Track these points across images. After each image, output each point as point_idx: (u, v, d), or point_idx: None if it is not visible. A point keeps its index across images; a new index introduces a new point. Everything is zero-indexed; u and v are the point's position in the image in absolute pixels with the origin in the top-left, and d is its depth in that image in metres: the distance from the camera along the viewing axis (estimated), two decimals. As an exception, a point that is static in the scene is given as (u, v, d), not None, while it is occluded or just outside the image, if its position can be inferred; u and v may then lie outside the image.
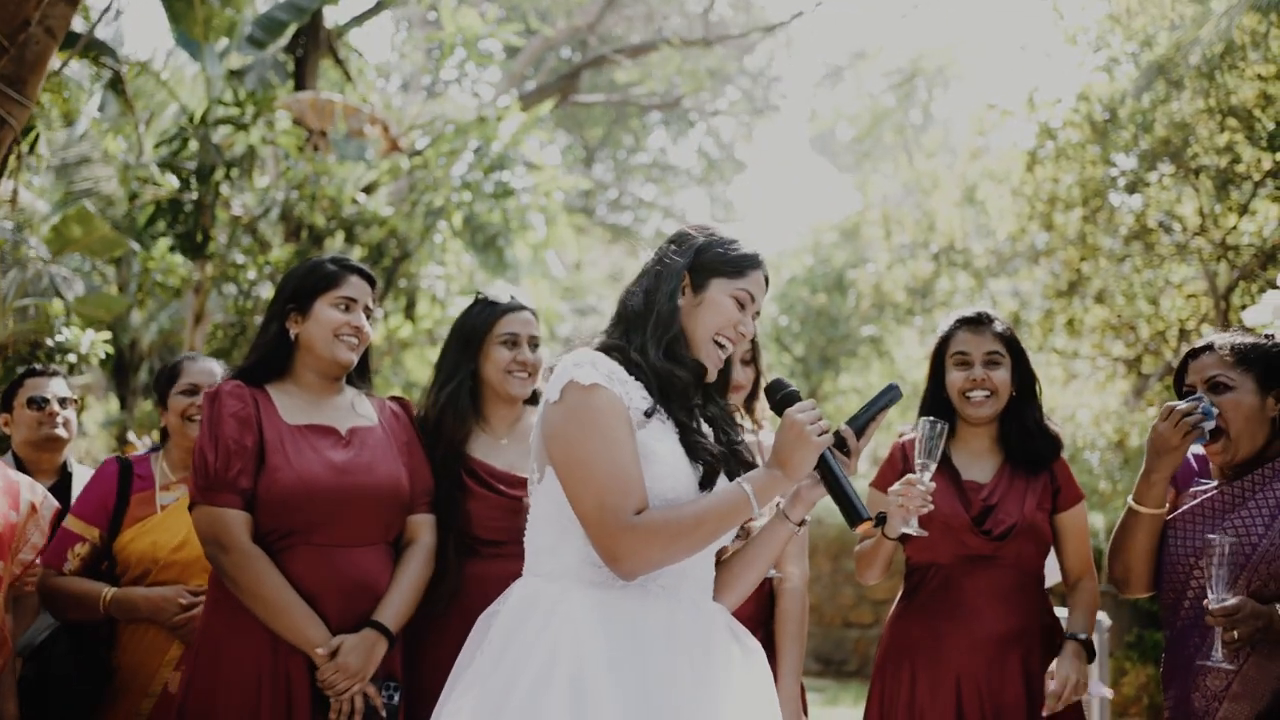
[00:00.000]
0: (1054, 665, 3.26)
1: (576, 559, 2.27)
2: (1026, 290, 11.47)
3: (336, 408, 3.11)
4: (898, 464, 3.49)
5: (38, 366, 4.05)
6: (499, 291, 3.52)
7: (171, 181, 8.21)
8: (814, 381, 15.10)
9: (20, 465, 3.89)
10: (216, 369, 3.72)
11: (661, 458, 2.27)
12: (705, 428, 2.44)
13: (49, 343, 6.88)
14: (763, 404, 3.59)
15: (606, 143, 22.86)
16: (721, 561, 2.47)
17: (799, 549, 3.48)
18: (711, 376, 2.46)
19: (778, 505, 2.43)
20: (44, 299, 7.45)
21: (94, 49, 8.83)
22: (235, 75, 9.67)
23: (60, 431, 3.90)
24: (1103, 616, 5.75)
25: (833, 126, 24.10)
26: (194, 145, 8.18)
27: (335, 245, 8.91)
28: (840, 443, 2.34)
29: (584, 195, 20.11)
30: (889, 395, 2.39)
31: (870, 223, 13.76)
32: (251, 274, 8.56)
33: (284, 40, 10.52)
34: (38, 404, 3.89)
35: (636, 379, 2.31)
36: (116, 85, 9.00)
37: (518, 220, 9.71)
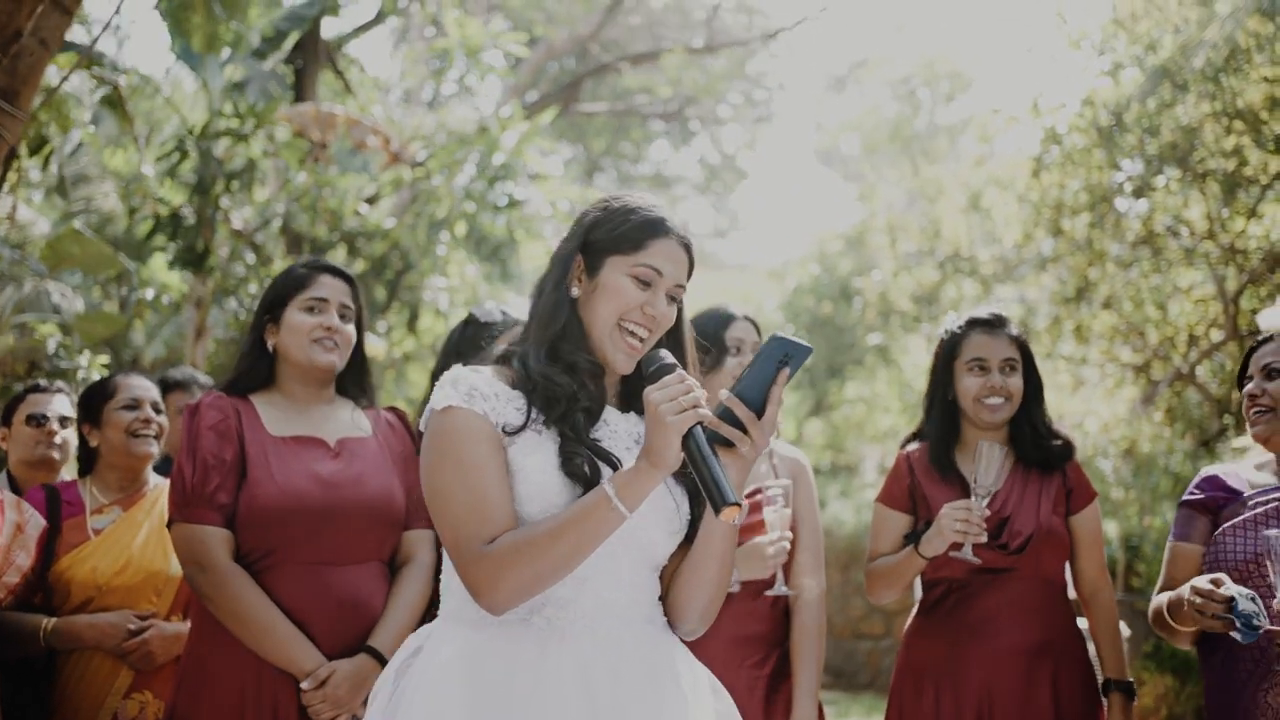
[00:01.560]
0: None
1: (459, 597, 2.07)
2: (1033, 297, 11.39)
3: (326, 418, 3.00)
4: (904, 476, 3.40)
5: (41, 383, 3.95)
6: (490, 310, 3.46)
7: (172, 195, 8.17)
8: (820, 391, 15.01)
9: (14, 484, 3.80)
10: (152, 383, 3.63)
11: (528, 474, 2.02)
12: (635, 421, 2.18)
13: (46, 364, 6.83)
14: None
15: (609, 153, 22.83)
16: (668, 577, 2.20)
17: (814, 562, 3.38)
18: (625, 369, 2.13)
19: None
20: (42, 316, 7.41)
21: (94, 62, 8.80)
22: (236, 88, 9.64)
23: (54, 454, 3.80)
24: (1120, 626, 5.65)
25: (837, 137, 24.06)
26: (194, 158, 8.13)
27: (337, 258, 8.86)
28: (729, 416, 2.02)
29: (586, 203, 20.07)
30: (779, 350, 2.02)
31: (875, 231, 13.68)
32: (253, 288, 8.50)
33: (283, 52, 10.49)
34: (37, 421, 3.79)
35: (519, 388, 2.08)
36: (115, 101, 8.95)
37: (523, 230, 9.64)
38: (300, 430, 2.94)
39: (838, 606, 10.08)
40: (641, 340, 2.12)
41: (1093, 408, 10.16)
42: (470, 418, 2.02)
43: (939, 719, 3.20)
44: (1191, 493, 3.05)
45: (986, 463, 2.97)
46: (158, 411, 3.59)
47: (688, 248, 2.16)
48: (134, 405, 3.53)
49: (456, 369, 2.10)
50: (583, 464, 2.03)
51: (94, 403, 3.57)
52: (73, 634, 3.26)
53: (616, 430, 2.15)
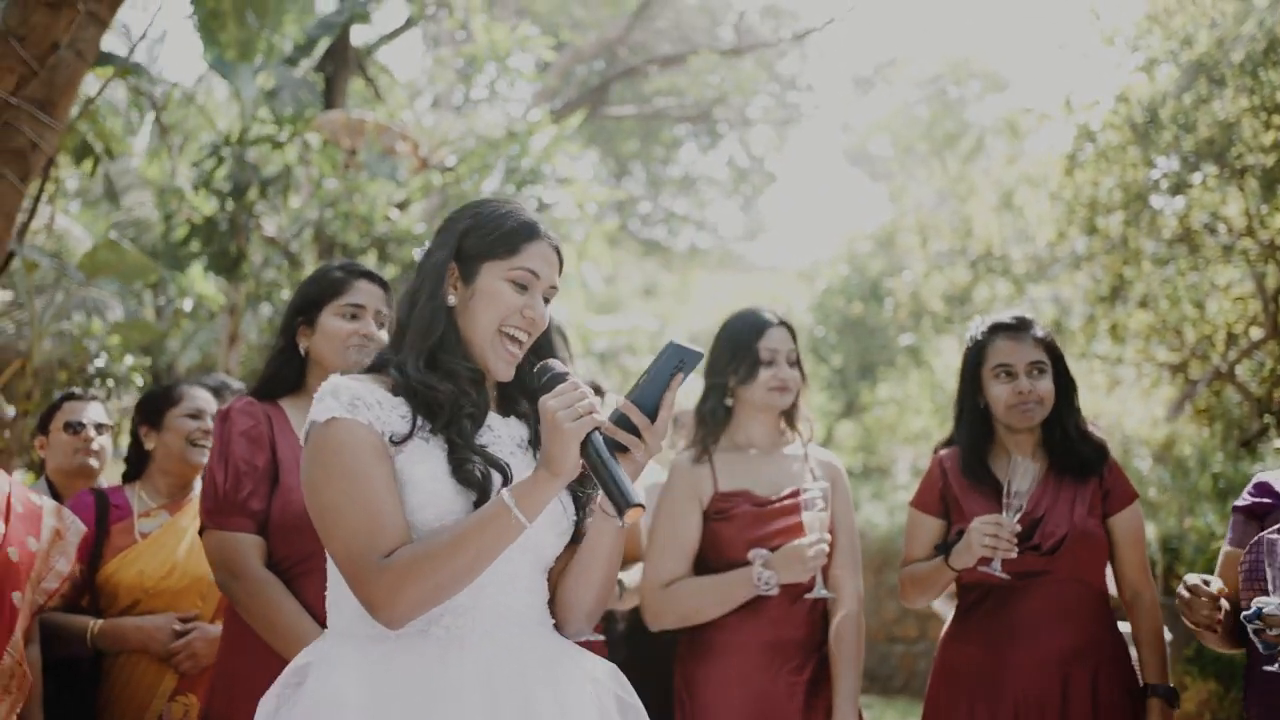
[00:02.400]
0: None
1: (351, 612, 2.02)
2: (1067, 296, 11.28)
3: None
4: (937, 481, 3.37)
5: (76, 390, 3.99)
6: None
7: (207, 202, 8.24)
8: (852, 392, 14.93)
9: (53, 490, 3.83)
10: (213, 399, 3.65)
11: (419, 483, 1.99)
12: (516, 424, 2.18)
13: (89, 368, 6.90)
14: (804, 413, 3.49)
15: (638, 156, 22.84)
16: (556, 579, 2.19)
17: (852, 565, 3.35)
18: (506, 374, 2.13)
19: (596, 501, 2.12)
20: (81, 324, 7.49)
21: (132, 73, 8.90)
22: (268, 95, 9.72)
23: (92, 461, 3.83)
24: (1163, 629, 5.57)
25: (866, 137, 23.97)
26: (229, 165, 8.20)
27: (368, 263, 8.91)
28: (624, 421, 2.01)
29: (616, 209, 20.10)
30: (675, 357, 2.02)
31: (906, 230, 13.61)
32: (286, 294, 8.56)
33: (314, 60, 10.56)
34: (74, 429, 3.82)
35: (401, 395, 2.05)
36: (152, 108, 9.07)
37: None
38: None
39: (871, 609, 10.01)
40: (520, 344, 2.13)
41: (1129, 408, 10.05)
42: (355, 428, 1.99)
43: None
44: (1243, 498, 3.00)
45: (1020, 477, 2.95)
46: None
47: (557, 249, 2.18)
48: (197, 415, 3.56)
49: (335, 378, 2.07)
50: (474, 470, 2.02)
51: (157, 406, 3.61)
52: (119, 636, 3.31)
53: (500, 435, 2.14)
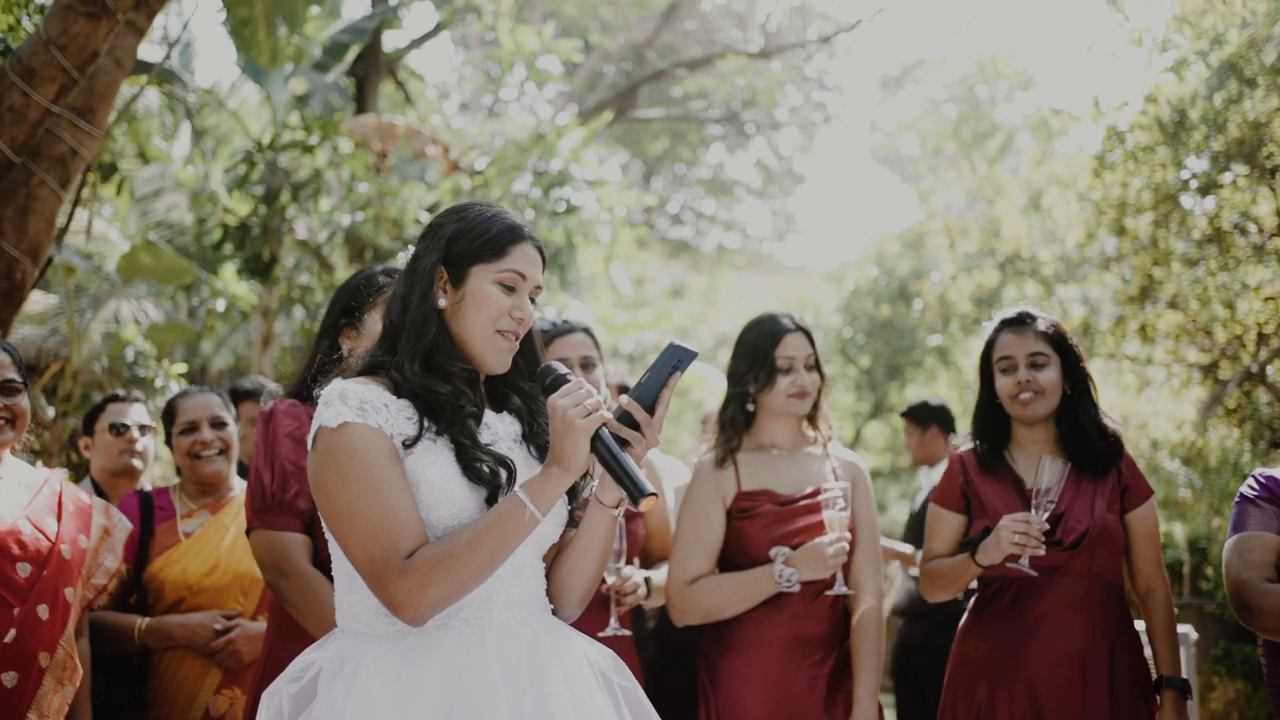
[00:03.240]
0: None
1: (369, 611, 2.09)
2: (1096, 297, 11.24)
3: None
4: (957, 477, 3.43)
5: (120, 392, 4.09)
6: (549, 318, 3.52)
7: (241, 205, 8.35)
8: (880, 393, 14.93)
9: (98, 490, 3.94)
10: (212, 398, 3.73)
11: (432, 483, 2.07)
12: (510, 421, 2.26)
13: (125, 372, 7.03)
14: (826, 414, 3.54)
15: (665, 157, 22.88)
16: (550, 566, 2.28)
17: (873, 563, 3.41)
18: (503, 367, 2.21)
19: (589, 491, 2.22)
20: (118, 326, 7.62)
21: (166, 79, 9.04)
22: (299, 100, 9.83)
23: (136, 462, 3.94)
24: (1189, 630, 5.58)
25: (896, 138, 23.89)
26: (261, 169, 8.31)
27: (400, 266, 9.00)
28: (626, 417, 2.12)
29: (644, 210, 20.14)
30: (674, 356, 2.14)
31: (934, 232, 13.58)
32: (318, 296, 8.66)
33: (345, 64, 10.68)
34: (119, 430, 3.92)
35: (404, 398, 2.11)
36: (186, 114, 9.19)
37: (580, 236, 9.72)
38: None
39: (897, 608, 10.01)
40: (512, 340, 2.20)
41: (1158, 408, 10.00)
42: (367, 432, 2.04)
43: (993, 718, 3.20)
44: (1250, 488, 3.03)
45: (1048, 475, 2.99)
46: (218, 425, 3.69)
47: (541, 250, 2.25)
48: (191, 428, 3.67)
49: (339, 382, 2.12)
50: (484, 468, 2.09)
51: (166, 425, 3.76)
52: (165, 633, 3.42)
53: (497, 431, 2.22)
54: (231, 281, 8.55)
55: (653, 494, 2.01)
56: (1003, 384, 3.34)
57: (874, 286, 14.83)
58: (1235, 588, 2.93)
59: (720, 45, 18.42)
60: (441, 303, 2.18)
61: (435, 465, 2.08)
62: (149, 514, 3.59)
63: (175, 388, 7.03)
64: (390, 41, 11.56)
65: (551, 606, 2.25)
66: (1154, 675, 3.27)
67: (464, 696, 1.99)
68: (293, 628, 2.87)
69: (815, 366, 3.46)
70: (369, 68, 10.83)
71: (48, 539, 2.94)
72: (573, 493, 2.24)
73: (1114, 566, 3.28)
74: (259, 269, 8.37)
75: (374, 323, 3.01)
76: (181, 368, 6.84)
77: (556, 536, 2.24)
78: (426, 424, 2.10)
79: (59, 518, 3.01)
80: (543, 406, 2.19)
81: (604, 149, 10.30)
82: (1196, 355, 9.62)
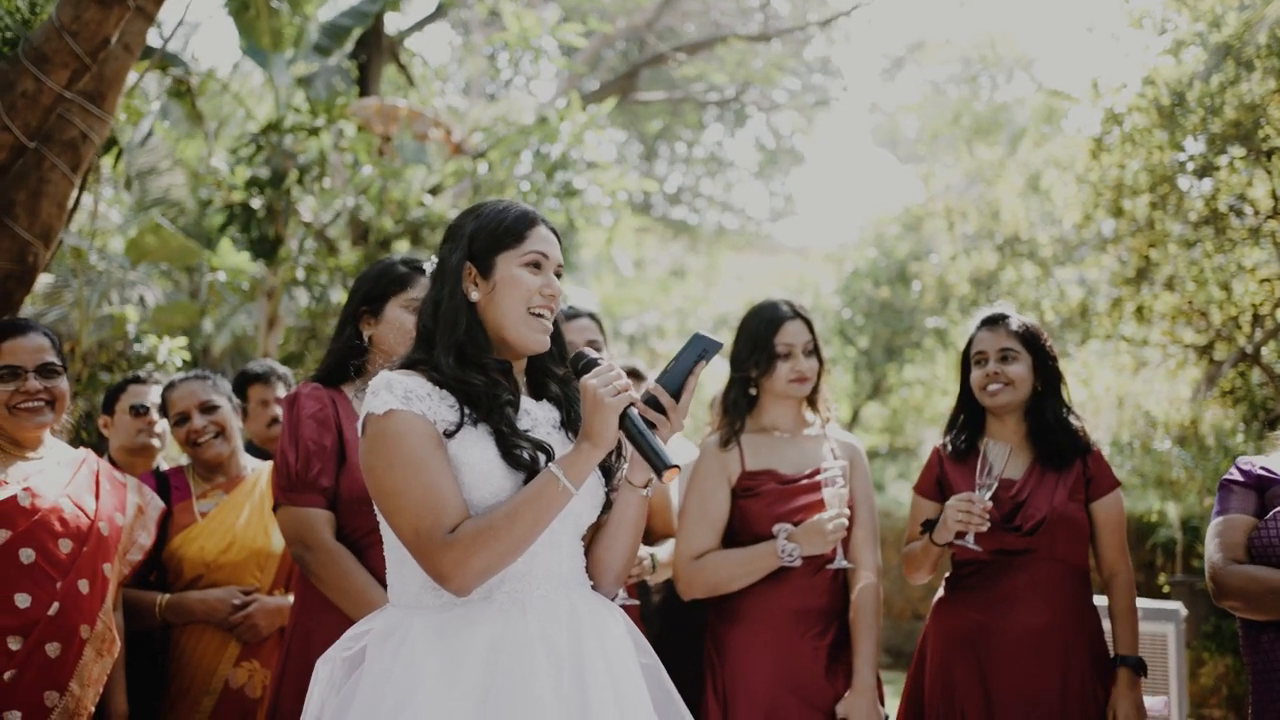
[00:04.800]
0: (1113, 699, 3.32)
1: (416, 585, 2.23)
2: (1093, 278, 11.31)
3: None
4: (934, 468, 3.63)
5: (141, 374, 4.18)
6: None
7: (244, 187, 8.40)
8: (879, 374, 15.01)
9: (115, 469, 4.03)
10: (196, 385, 3.80)
11: (472, 465, 2.20)
12: (549, 408, 2.38)
13: (129, 351, 7.09)
14: (825, 398, 3.66)
15: (664, 136, 22.88)
16: (588, 545, 2.41)
17: (870, 539, 3.55)
18: (542, 346, 2.35)
19: (622, 473, 2.35)
20: (122, 308, 7.68)
21: (166, 61, 9.06)
22: (302, 83, 9.86)
23: (154, 442, 4.04)
24: (1178, 606, 5.69)
25: (895, 120, 23.89)
26: (266, 152, 8.36)
27: (402, 248, 9.06)
28: (653, 402, 2.26)
29: (643, 194, 20.17)
30: (699, 346, 2.27)
31: (933, 214, 13.64)
32: (323, 278, 8.73)
33: (348, 47, 10.70)
34: (139, 411, 4.01)
35: (445, 389, 2.24)
36: (186, 94, 9.21)
37: (582, 219, 9.78)
38: None
39: (897, 587, 10.14)
40: (546, 318, 2.33)
41: (1154, 389, 10.09)
42: (411, 419, 2.18)
43: (954, 686, 3.40)
44: (1231, 475, 3.14)
45: (993, 459, 3.18)
46: (208, 410, 3.77)
47: (555, 231, 2.40)
48: (183, 419, 3.77)
49: (384, 374, 2.25)
50: (523, 454, 2.23)
51: (164, 415, 3.86)
52: (185, 609, 3.54)
53: (536, 417, 2.35)
54: (230, 254, 8.58)
55: (675, 466, 2.14)
56: (975, 376, 3.54)
57: (873, 268, 14.90)
58: (1209, 568, 3.07)
59: (720, 28, 18.41)
60: (475, 295, 2.31)
61: (475, 449, 2.21)
62: (166, 493, 3.69)
63: (179, 364, 7.11)
64: (392, 24, 11.58)
65: (591, 583, 2.38)
66: (1112, 653, 3.44)
67: (506, 664, 2.12)
68: (317, 600, 3.00)
69: (814, 352, 3.58)
70: (371, 51, 10.86)
71: (87, 516, 3.06)
72: (608, 475, 2.37)
73: (1077, 551, 3.45)
74: (264, 250, 8.43)
75: (394, 311, 3.14)
76: (182, 341, 6.88)
77: (593, 517, 2.37)
78: (467, 412, 2.23)
79: (97, 495, 3.12)
80: (578, 393, 2.31)
81: (603, 132, 10.32)
82: (1192, 336, 9.70)
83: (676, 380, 2.26)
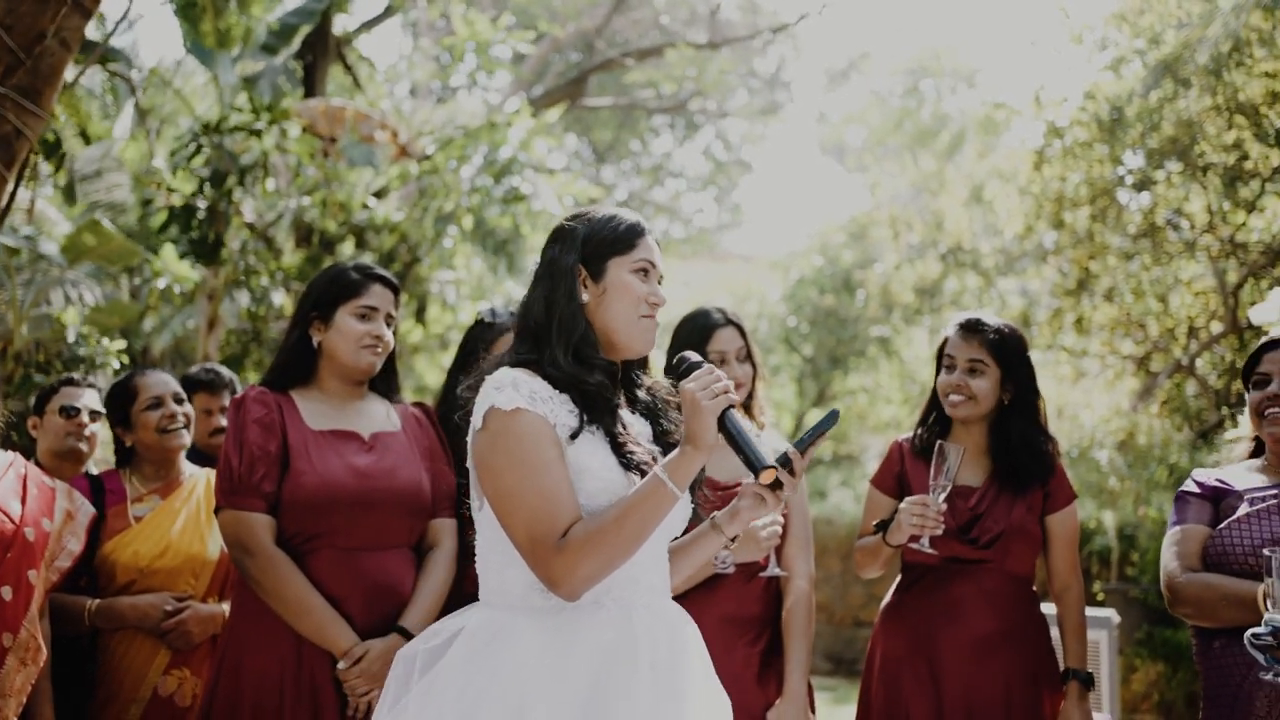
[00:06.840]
0: (1063, 711, 3.35)
1: (523, 586, 2.23)
2: (1034, 289, 11.49)
3: (360, 413, 3.17)
4: (895, 463, 3.60)
5: (75, 376, 4.07)
6: (498, 309, 3.62)
7: (186, 186, 8.27)
8: (823, 381, 15.10)
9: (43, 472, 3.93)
10: (169, 377, 3.78)
11: (595, 473, 2.22)
12: (641, 422, 2.41)
13: (65, 352, 6.94)
14: (761, 403, 3.65)
15: (614, 145, 22.90)
16: None
17: (803, 547, 3.55)
18: (650, 348, 2.39)
19: (713, 517, 2.40)
20: (59, 307, 7.52)
21: (109, 57, 8.90)
22: (247, 82, 9.73)
23: (83, 446, 3.92)
24: (1111, 613, 5.77)
25: (841, 129, 24.09)
26: (208, 152, 8.24)
27: (346, 251, 8.97)
28: (785, 462, 2.30)
29: (591, 202, 20.15)
30: (832, 420, 2.38)
31: (878, 223, 13.77)
32: (264, 280, 8.61)
33: (294, 47, 10.58)
34: (69, 413, 3.89)
35: (562, 392, 2.25)
36: (130, 92, 9.06)
37: (528, 225, 9.74)
38: (337, 424, 3.11)
39: (838, 594, 10.20)
40: (654, 324, 2.37)
41: (1092, 399, 10.26)
42: (536, 420, 2.18)
43: (901, 692, 3.40)
44: (1188, 487, 3.18)
45: (949, 462, 3.14)
46: (180, 402, 3.77)
47: (657, 242, 2.43)
48: (157, 403, 3.70)
49: (508, 371, 2.25)
50: (639, 459, 2.26)
51: (121, 406, 3.75)
52: (116, 614, 3.45)
53: (633, 428, 2.37)
54: (173, 261, 8.46)
55: (771, 467, 2.19)
56: (941, 381, 3.49)
57: (819, 276, 15.00)
58: (1164, 577, 3.09)
59: (669, 35, 18.46)
60: (585, 297, 2.32)
61: (595, 456, 2.23)
62: (100, 497, 3.60)
63: (116, 366, 6.96)
64: (339, 25, 11.47)
65: None
66: (1061, 665, 3.45)
67: (611, 670, 2.14)
68: (252, 608, 2.96)
69: (748, 358, 3.57)
70: (317, 51, 10.74)
71: (12, 521, 2.98)
72: (691, 488, 2.40)
73: (1027, 563, 3.46)
74: (205, 251, 8.30)
75: (344, 318, 3.11)
76: (121, 344, 6.75)
77: (681, 528, 2.40)
78: (585, 416, 2.25)
79: (23, 500, 3.04)
80: (664, 405, 2.40)
81: (554, 139, 10.30)
82: (1131, 348, 9.88)
83: (806, 445, 2.33)
